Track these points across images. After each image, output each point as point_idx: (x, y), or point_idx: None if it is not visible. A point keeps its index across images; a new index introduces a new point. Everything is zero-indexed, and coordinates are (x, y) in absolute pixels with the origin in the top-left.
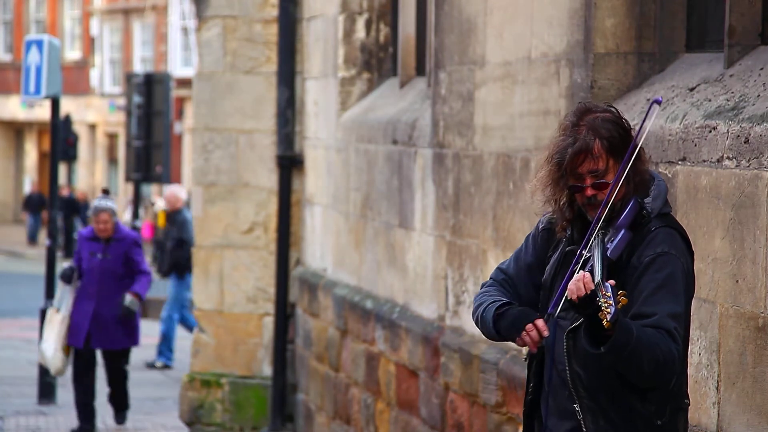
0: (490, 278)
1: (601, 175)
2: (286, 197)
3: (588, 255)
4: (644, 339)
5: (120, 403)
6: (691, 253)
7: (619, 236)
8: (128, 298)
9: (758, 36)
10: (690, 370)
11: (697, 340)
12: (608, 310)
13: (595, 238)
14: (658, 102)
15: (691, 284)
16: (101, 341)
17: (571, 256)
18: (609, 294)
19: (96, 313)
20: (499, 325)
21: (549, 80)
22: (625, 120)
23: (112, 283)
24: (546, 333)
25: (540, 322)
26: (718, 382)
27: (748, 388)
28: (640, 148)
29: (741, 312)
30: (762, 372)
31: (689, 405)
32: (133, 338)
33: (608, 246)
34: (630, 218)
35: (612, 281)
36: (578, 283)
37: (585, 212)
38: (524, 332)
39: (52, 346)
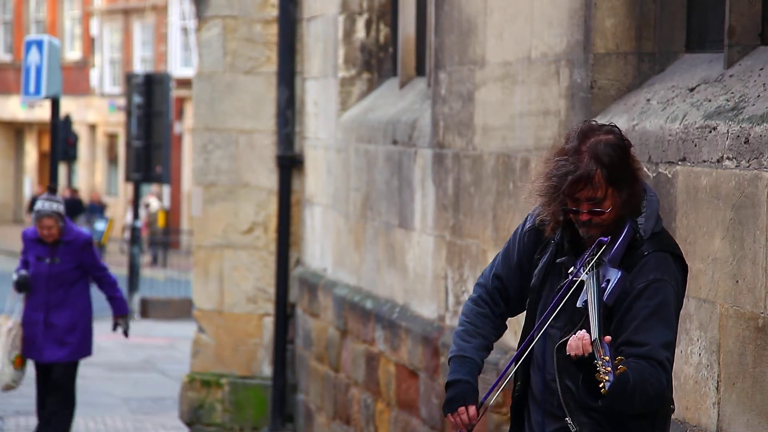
0: (481, 285)
1: (598, 202)
2: (286, 197)
3: (582, 278)
4: (638, 381)
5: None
6: (684, 270)
7: (616, 279)
8: (119, 324)
9: (758, 36)
10: (690, 370)
11: (697, 340)
12: (606, 377)
13: (591, 268)
14: (604, 241)
15: (681, 303)
16: (51, 353)
17: (560, 268)
18: (607, 358)
19: (47, 323)
20: (446, 392)
21: (549, 80)
22: (626, 140)
23: (62, 290)
24: (475, 422)
25: (472, 410)
26: (718, 382)
27: (748, 389)
28: (639, 167)
29: (741, 312)
30: (762, 372)
31: (674, 409)
32: (84, 349)
33: (603, 285)
34: (623, 248)
35: (608, 338)
36: (578, 342)
37: (577, 228)
38: (456, 413)
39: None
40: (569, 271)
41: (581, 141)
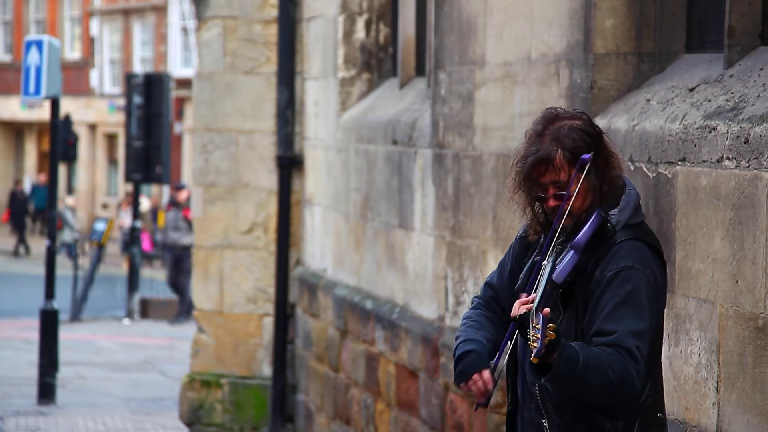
0: (479, 296)
1: (563, 186)
2: (286, 197)
3: (543, 264)
4: (593, 363)
5: None
6: (663, 264)
7: (567, 258)
8: None
9: (758, 36)
10: (690, 371)
11: (697, 340)
12: (535, 344)
13: (551, 253)
14: (556, 227)
15: (660, 296)
16: None
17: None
18: (539, 326)
19: None
20: (455, 370)
21: (549, 81)
22: (596, 127)
23: None
24: (491, 386)
25: (486, 374)
26: (717, 382)
27: (747, 389)
28: (612, 154)
29: (741, 312)
30: (762, 372)
31: (663, 418)
32: None
33: (557, 267)
34: (588, 236)
35: (547, 310)
36: (519, 304)
37: (552, 220)
38: (471, 381)
39: None
40: (536, 258)
41: (545, 126)
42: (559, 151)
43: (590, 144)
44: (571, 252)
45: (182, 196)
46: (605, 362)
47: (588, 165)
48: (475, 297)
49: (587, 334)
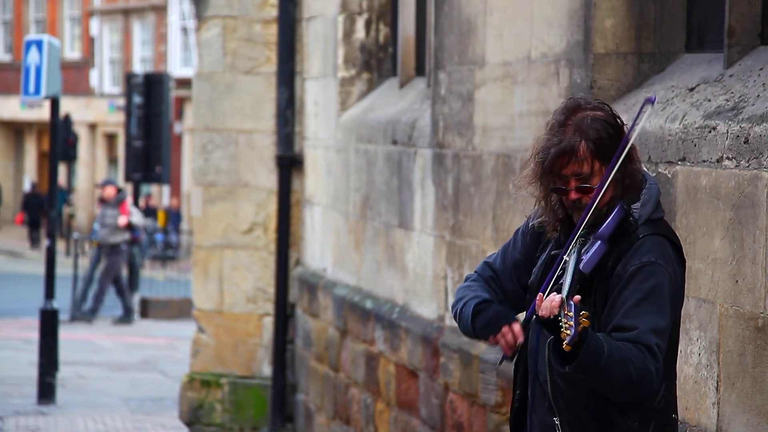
0: (475, 272)
1: (585, 178)
2: (286, 197)
3: (566, 258)
4: (617, 356)
5: None
6: (683, 261)
7: (594, 248)
8: None
9: (758, 36)
10: (690, 371)
11: (697, 340)
12: (568, 332)
13: (575, 244)
14: (652, 101)
15: (679, 295)
16: None
17: (555, 260)
18: (571, 314)
19: None
20: (476, 322)
21: (549, 80)
22: (618, 118)
23: None
24: (521, 338)
25: (516, 326)
26: (717, 382)
27: (747, 389)
28: (632, 146)
29: (741, 312)
30: (762, 372)
31: (678, 419)
32: None
33: (583, 258)
34: (612, 228)
35: (578, 297)
36: (550, 303)
37: (571, 214)
38: (500, 334)
39: None
40: (554, 252)
41: (567, 116)
42: (583, 142)
43: (613, 135)
44: (598, 242)
45: (107, 192)
46: (627, 356)
47: (629, 148)
48: (471, 273)
49: (605, 330)
